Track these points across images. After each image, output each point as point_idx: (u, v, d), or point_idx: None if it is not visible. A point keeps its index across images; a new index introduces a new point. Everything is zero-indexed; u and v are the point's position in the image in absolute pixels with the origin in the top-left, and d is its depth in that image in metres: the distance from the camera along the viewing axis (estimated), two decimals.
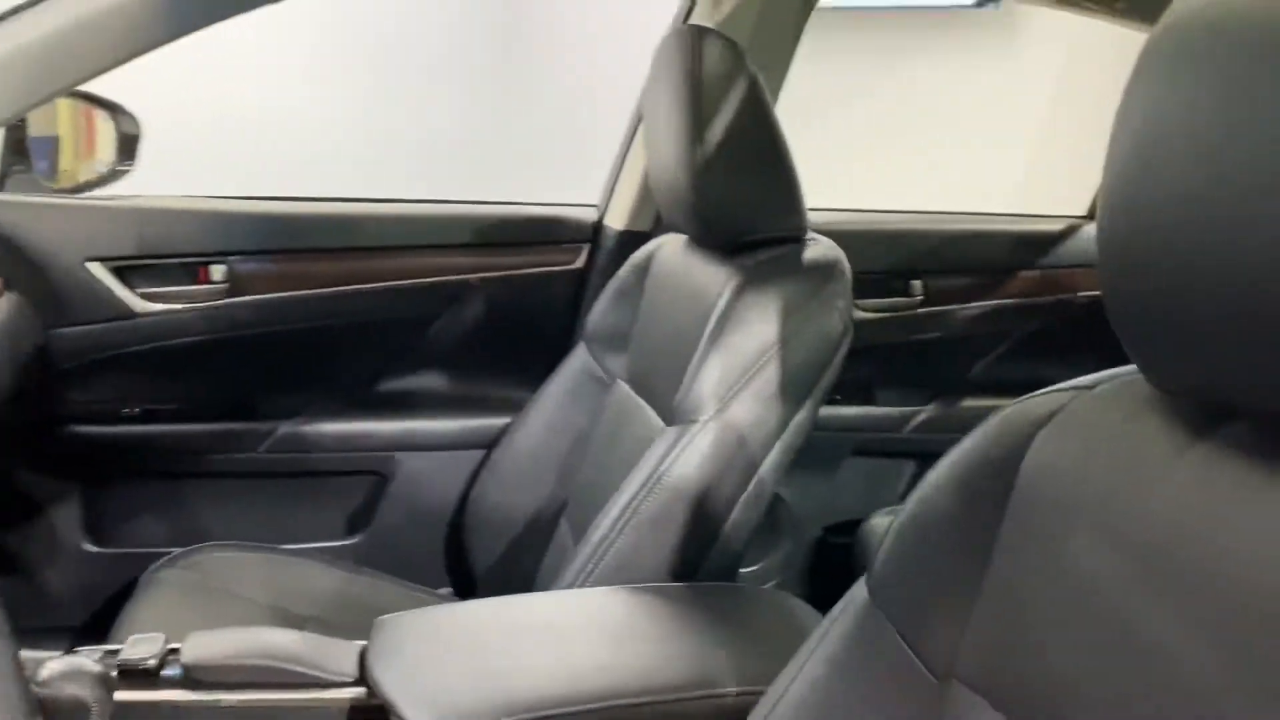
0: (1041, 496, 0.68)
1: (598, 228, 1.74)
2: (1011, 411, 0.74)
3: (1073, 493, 0.66)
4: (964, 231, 1.89)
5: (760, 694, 0.82)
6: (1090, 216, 2.00)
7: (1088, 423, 0.69)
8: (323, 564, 1.56)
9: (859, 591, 0.80)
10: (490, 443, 1.67)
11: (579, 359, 1.57)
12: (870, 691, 0.76)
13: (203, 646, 0.94)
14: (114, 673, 0.89)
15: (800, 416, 1.17)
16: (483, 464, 1.65)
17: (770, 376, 1.15)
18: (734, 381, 1.15)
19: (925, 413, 1.89)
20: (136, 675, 0.91)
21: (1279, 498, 0.54)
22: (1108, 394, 0.70)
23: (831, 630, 0.80)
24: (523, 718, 0.88)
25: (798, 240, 1.25)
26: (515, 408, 1.65)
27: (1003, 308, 1.88)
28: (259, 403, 1.64)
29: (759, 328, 1.16)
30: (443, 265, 1.68)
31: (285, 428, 1.64)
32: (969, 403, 1.90)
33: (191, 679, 0.92)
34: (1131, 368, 0.70)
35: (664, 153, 1.27)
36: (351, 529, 1.72)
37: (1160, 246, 0.57)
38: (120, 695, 0.87)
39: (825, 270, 1.21)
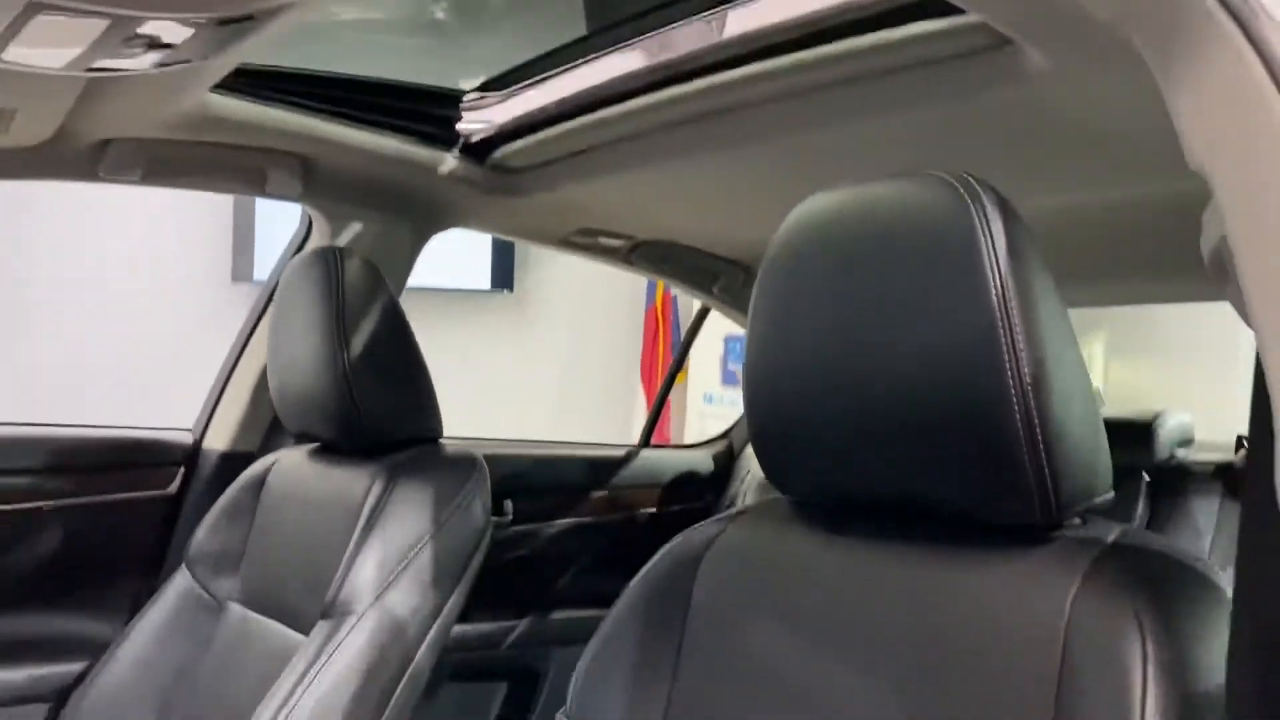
0: (715, 608, 0.83)
1: (195, 451, 1.69)
2: (674, 545, 0.90)
3: (741, 598, 0.82)
4: (546, 456, 2.09)
5: None
6: (644, 445, 2.31)
7: (742, 543, 0.86)
8: None
9: None
10: (60, 694, 1.47)
11: (179, 586, 1.47)
12: None
13: None
14: None
15: (450, 605, 1.23)
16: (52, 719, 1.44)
17: (424, 564, 1.20)
18: (390, 571, 1.18)
19: (521, 626, 1.98)
20: None
21: (909, 561, 0.74)
22: (755, 517, 0.88)
23: None
24: None
25: (434, 441, 1.35)
26: (93, 651, 1.48)
27: (580, 525, 2.08)
28: None
29: (411, 520, 1.22)
30: (6, 493, 1.51)
31: None
32: (558, 615, 2.03)
33: None
34: (767, 500, 0.90)
35: (303, 365, 1.32)
36: None
37: (792, 394, 0.77)
38: None
39: (466, 466, 1.31)
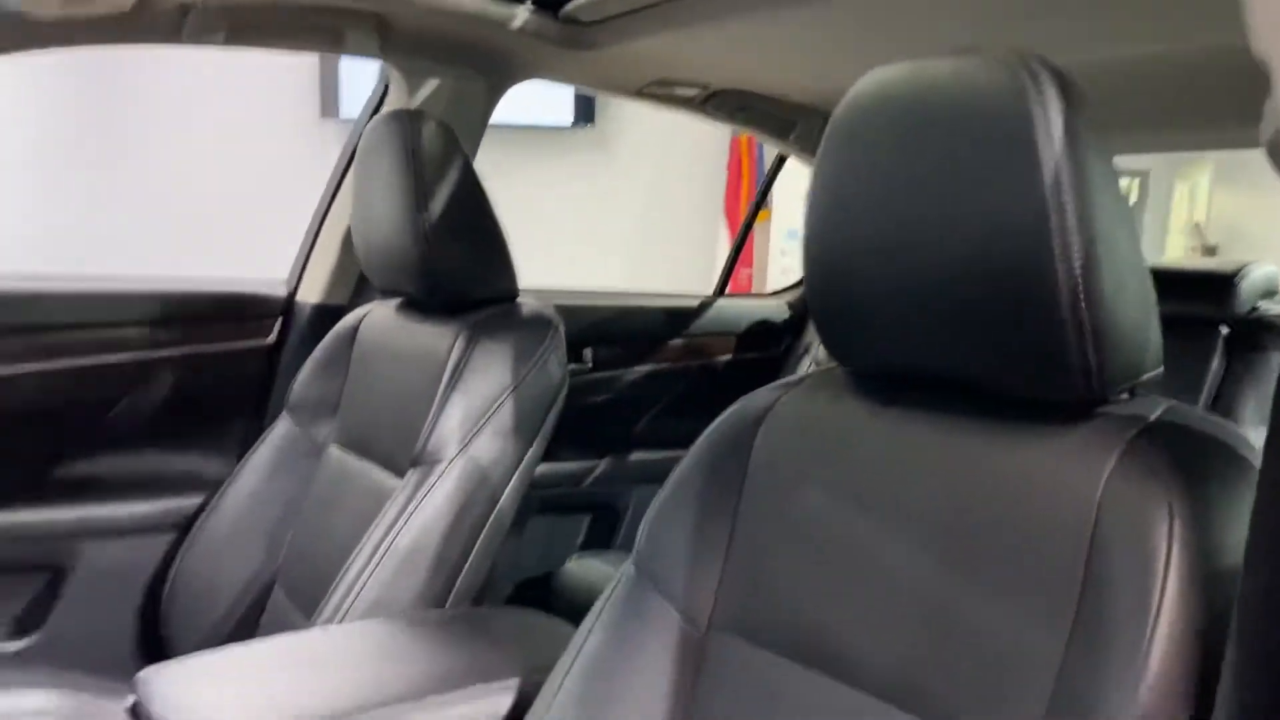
0: (771, 471, 0.88)
1: (289, 303, 1.78)
2: (732, 413, 0.94)
3: (794, 464, 0.86)
4: (622, 307, 2.15)
5: (542, 681, 0.93)
6: (720, 294, 2.35)
7: (798, 411, 0.90)
8: None
9: (627, 569, 0.94)
10: (184, 523, 1.62)
11: (283, 429, 1.59)
12: (643, 650, 0.90)
13: None
14: None
15: (532, 452, 1.31)
16: (178, 545, 1.60)
17: (505, 417, 1.28)
18: (474, 423, 1.27)
19: (601, 466, 2.09)
20: None
21: (954, 433, 0.77)
22: (811, 386, 0.92)
23: (605, 607, 0.93)
24: None
25: (513, 300, 1.41)
26: (209, 487, 1.62)
27: (657, 372, 2.15)
28: None
29: (493, 374, 1.29)
30: (125, 343, 1.63)
31: None
32: (636, 456, 2.13)
33: None
34: (825, 368, 0.93)
35: (385, 220, 1.37)
36: (22, 630, 1.57)
37: (850, 267, 0.79)
38: None
39: (544, 324, 1.37)
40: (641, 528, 0.94)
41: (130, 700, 0.96)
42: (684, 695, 0.87)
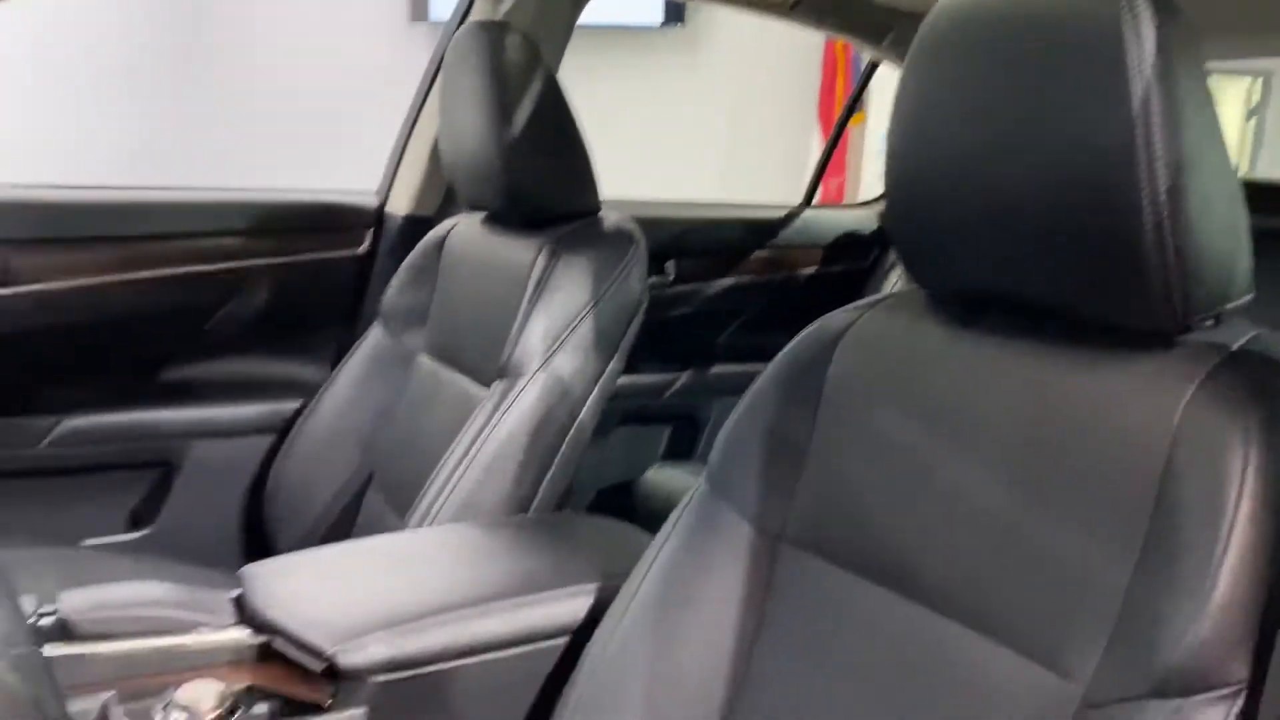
0: (848, 388, 0.88)
1: (380, 214, 1.82)
2: (813, 329, 0.94)
3: (872, 381, 0.87)
4: (706, 219, 2.14)
5: (620, 586, 0.96)
6: (806, 204, 2.32)
7: (878, 330, 0.90)
8: (114, 557, 1.53)
9: (701, 484, 0.96)
10: (284, 426, 1.70)
11: (375, 338, 1.64)
12: (715, 562, 0.92)
13: (79, 600, 0.95)
14: None
15: (611, 368, 1.34)
16: (278, 446, 1.68)
17: (586, 333, 1.30)
18: (556, 337, 1.29)
19: (682, 379, 2.12)
20: None
21: (1031, 357, 0.77)
22: (890, 308, 0.91)
23: (680, 519, 0.96)
24: (411, 625, 0.96)
25: (595, 214, 1.42)
26: (308, 391, 1.69)
27: (741, 285, 2.15)
28: (37, 397, 1.58)
29: (574, 289, 1.32)
30: (223, 252, 1.69)
31: (67, 421, 1.59)
32: (717, 369, 2.15)
33: (70, 633, 0.94)
34: (905, 290, 0.93)
35: (468, 134, 1.39)
36: (138, 521, 1.68)
37: (933, 186, 0.78)
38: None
39: (625, 239, 1.39)
40: (715, 442, 0.96)
41: (235, 593, 1.03)
42: (755, 605, 0.90)
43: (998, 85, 0.72)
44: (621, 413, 2.07)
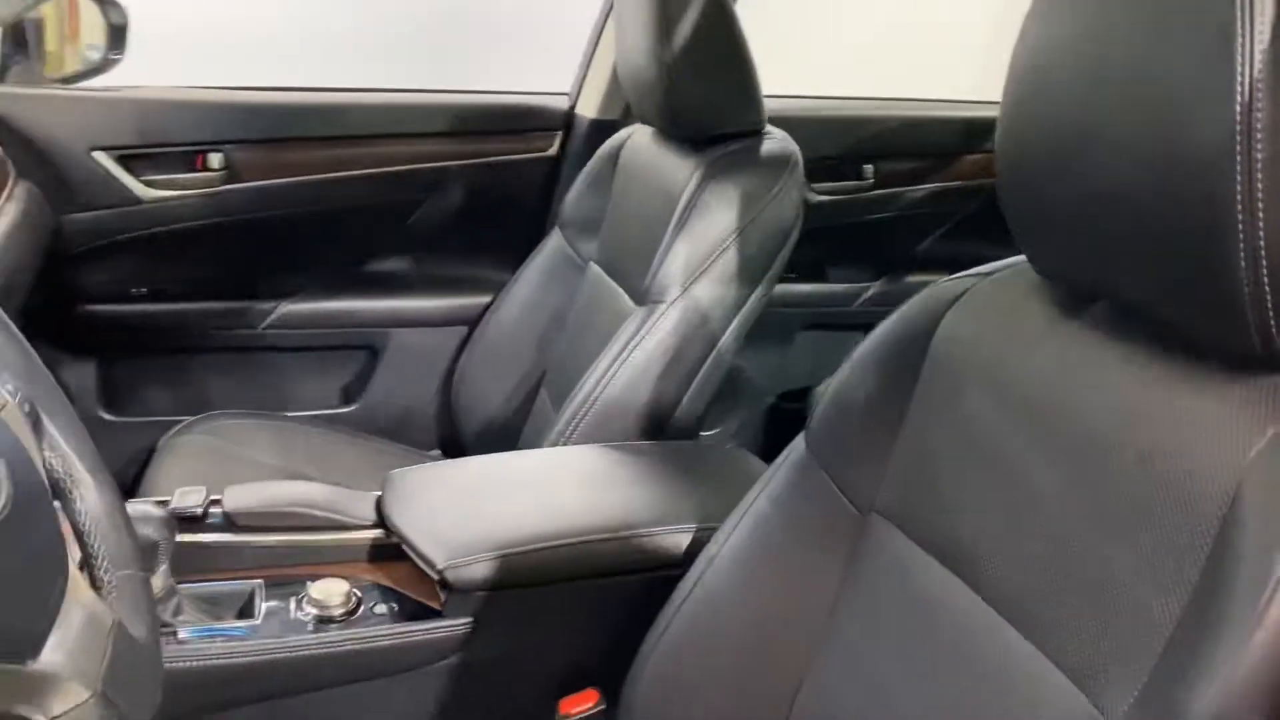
0: (947, 363, 0.84)
1: (570, 116, 1.85)
2: (925, 295, 0.90)
3: (970, 360, 0.82)
4: (912, 118, 2.01)
5: (715, 529, 0.98)
6: None
7: (985, 303, 0.84)
8: (324, 429, 1.71)
9: (798, 443, 0.96)
10: (473, 320, 1.81)
11: (554, 243, 1.70)
12: (804, 523, 0.93)
13: (241, 496, 1.09)
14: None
15: (755, 296, 1.32)
16: (467, 339, 1.80)
17: (730, 261, 1.29)
18: (697, 265, 1.29)
19: (874, 289, 2.05)
20: (186, 521, 1.07)
21: (1122, 363, 0.70)
22: (1003, 279, 0.85)
23: (775, 476, 0.96)
24: (516, 550, 1.04)
25: (756, 134, 1.38)
26: (495, 288, 1.79)
27: (948, 189, 2.02)
28: (259, 283, 1.77)
29: (721, 216, 1.30)
30: (424, 152, 1.79)
31: (284, 306, 1.77)
32: (914, 279, 2.06)
33: (232, 524, 1.08)
34: (1023, 258, 0.85)
35: (635, 48, 1.37)
36: (347, 398, 1.87)
37: (1046, 157, 0.71)
38: (180, 537, 1.02)
39: (780, 163, 1.34)
40: (815, 410, 0.95)
41: (376, 495, 1.14)
42: (838, 570, 0.90)
43: (1108, 46, 0.64)
44: (809, 317, 2.04)
